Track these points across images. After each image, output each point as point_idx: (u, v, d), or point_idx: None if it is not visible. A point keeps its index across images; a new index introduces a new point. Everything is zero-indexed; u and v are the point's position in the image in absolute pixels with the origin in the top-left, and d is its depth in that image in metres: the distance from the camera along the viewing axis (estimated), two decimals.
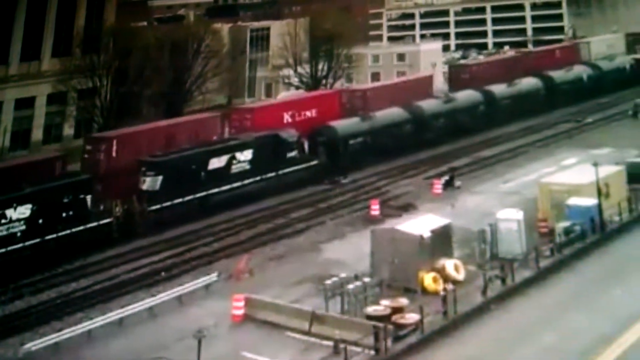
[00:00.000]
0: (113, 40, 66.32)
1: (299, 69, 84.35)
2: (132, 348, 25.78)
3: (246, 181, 44.27)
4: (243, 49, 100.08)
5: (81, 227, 36.74)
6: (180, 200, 40.91)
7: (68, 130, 63.87)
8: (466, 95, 61.18)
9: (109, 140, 43.11)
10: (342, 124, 51.78)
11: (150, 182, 40.32)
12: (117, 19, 72.70)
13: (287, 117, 51.61)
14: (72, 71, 61.85)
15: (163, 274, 33.21)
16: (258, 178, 44.86)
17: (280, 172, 46.09)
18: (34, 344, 25.96)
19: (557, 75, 71.05)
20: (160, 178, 40.29)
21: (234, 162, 44.02)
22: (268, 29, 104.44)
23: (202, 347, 20.42)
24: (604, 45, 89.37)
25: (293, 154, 47.59)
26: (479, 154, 53.03)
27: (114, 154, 42.15)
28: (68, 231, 36.27)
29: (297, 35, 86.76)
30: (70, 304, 30.46)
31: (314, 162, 48.63)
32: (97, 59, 63.38)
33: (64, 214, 36.52)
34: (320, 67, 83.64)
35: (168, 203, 40.39)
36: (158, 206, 40.01)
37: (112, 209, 38.71)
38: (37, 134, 61.34)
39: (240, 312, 27.20)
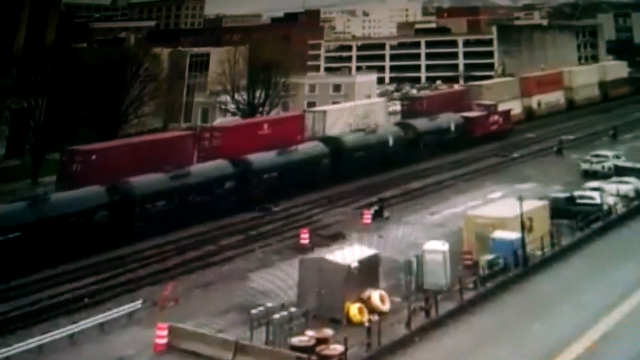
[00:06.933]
0: (51, 61, 65.35)
1: (237, 96, 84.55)
2: None
3: None
4: (182, 74, 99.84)
5: None
6: None
7: None
8: (214, 165, 48.43)
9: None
10: None
11: None
12: (57, 40, 71.82)
13: None
14: (8, 90, 60.63)
15: (86, 300, 32.47)
16: None
17: None
18: None
19: (350, 138, 57.51)
20: None
21: None
22: (208, 55, 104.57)
23: None
24: (351, 115, 66.36)
25: None
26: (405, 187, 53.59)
27: None
28: None
29: (236, 62, 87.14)
30: None
31: None
32: (34, 78, 62.22)
33: None
34: (257, 94, 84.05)
35: None
36: None
37: None
38: None
39: (163, 341, 26.75)
